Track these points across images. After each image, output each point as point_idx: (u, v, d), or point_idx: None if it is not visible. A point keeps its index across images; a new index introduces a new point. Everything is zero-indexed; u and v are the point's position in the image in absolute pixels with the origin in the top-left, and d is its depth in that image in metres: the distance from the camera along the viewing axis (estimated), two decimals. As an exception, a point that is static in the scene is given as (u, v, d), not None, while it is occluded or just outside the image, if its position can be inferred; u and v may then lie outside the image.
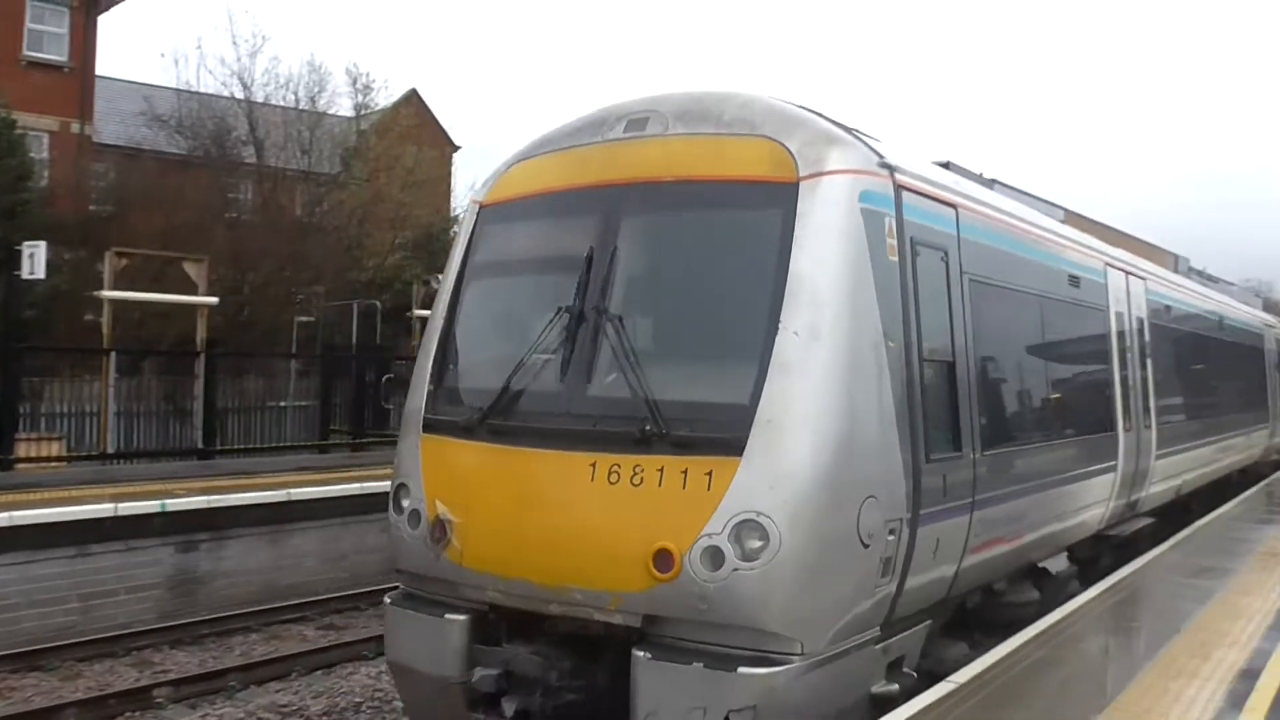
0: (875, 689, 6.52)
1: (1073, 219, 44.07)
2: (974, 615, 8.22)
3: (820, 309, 6.14)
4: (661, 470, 6.04)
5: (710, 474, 5.94)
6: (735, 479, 5.88)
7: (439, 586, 6.92)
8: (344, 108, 35.60)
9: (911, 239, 6.99)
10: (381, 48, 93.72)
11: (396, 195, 33.88)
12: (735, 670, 5.80)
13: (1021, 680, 6.80)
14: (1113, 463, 10.60)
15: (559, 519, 6.33)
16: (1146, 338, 12.39)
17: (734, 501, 5.85)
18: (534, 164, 7.55)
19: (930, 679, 6.68)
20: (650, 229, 6.92)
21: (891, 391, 6.48)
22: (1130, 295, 12.02)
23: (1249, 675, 6.97)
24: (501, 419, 6.73)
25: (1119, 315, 11.43)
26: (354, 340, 27.56)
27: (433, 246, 32.80)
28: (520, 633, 6.62)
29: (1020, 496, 8.28)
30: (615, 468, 6.17)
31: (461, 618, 6.72)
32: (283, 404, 22.42)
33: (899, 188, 6.96)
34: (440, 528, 6.71)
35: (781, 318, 6.08)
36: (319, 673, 11.16)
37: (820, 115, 7.02)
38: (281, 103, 33.44)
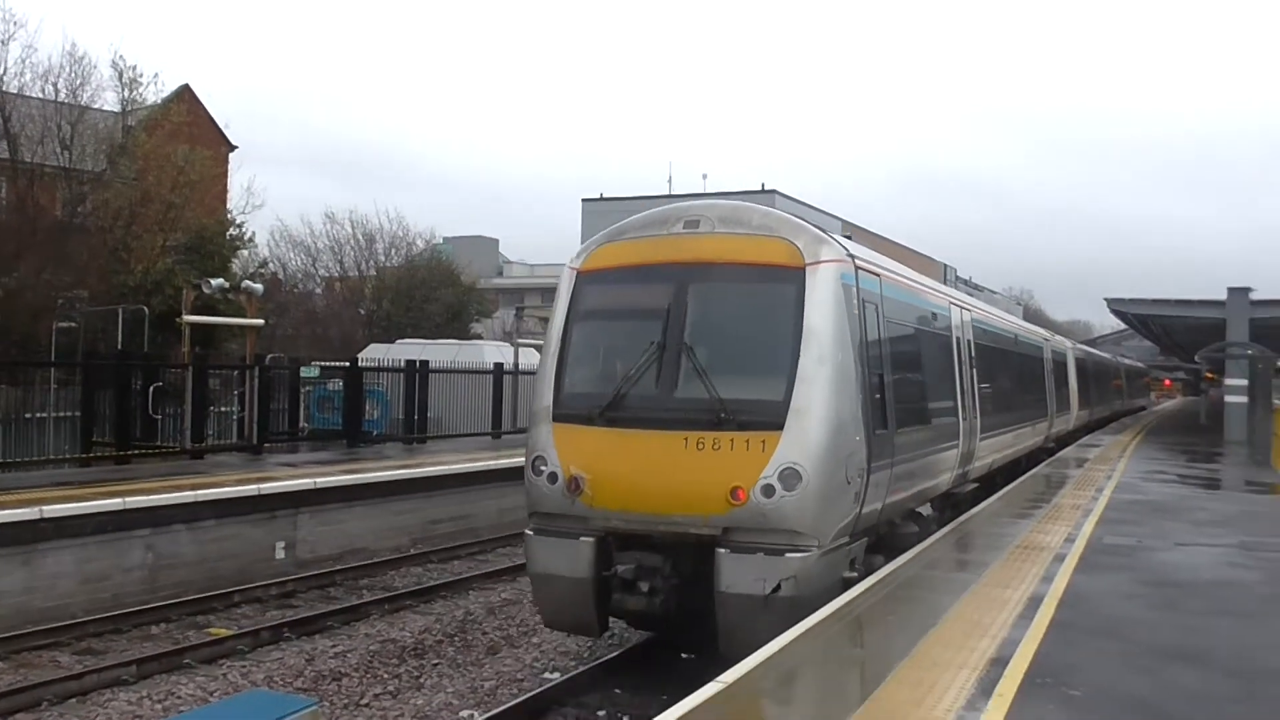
0: (845, 574, 10.20)
1: (849, 229, 45.79)
2: (883, 540, 11.74)
3: (823, 346, 9.88)
4: (732, 440, 9.62)
5: (764, 442, 9.55)
6: (779, 444, 9.53)
7: (570, 522, 10.13)
8: (109, 102, 33.70)
9: (862, 300, 10.77)
10: (151, 41, 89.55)
11: (167, 196, 32.25)
12: (784, 555, 9.44)
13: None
14: (956, 443, 14.63)
15: (665, 472, 9.76)
16: (972, 353, 16.48)
17: (780, 457, 9.49)
18: (616, 246, 11.01)
19: (864, 574, 10.40)
20: (710, 293, 10.46)
21: (858, 392, 10.24)
22: (962, 323, 16.27)
23: (999, 663, 7.31)
24: (616, 412, 10.06)
25: (957, 339, 15.66)
26: (119, 347, 26.11)
27: (206, 250, 31.41)
28: (627, 548, 9.99)
29: (913, 461, 12.11)
30: (700, 440, 9.69)
31: (590, 539, 10.03)
32: (41, 415, 21.03)
33: (856, 268, 10.80)
34: (575, 483, 9.99)
35: (801, 350, 9.81)
36: (73, 701, 10.47)
37: (811, 225, 10.90)
38: (40, 95, 31.42)
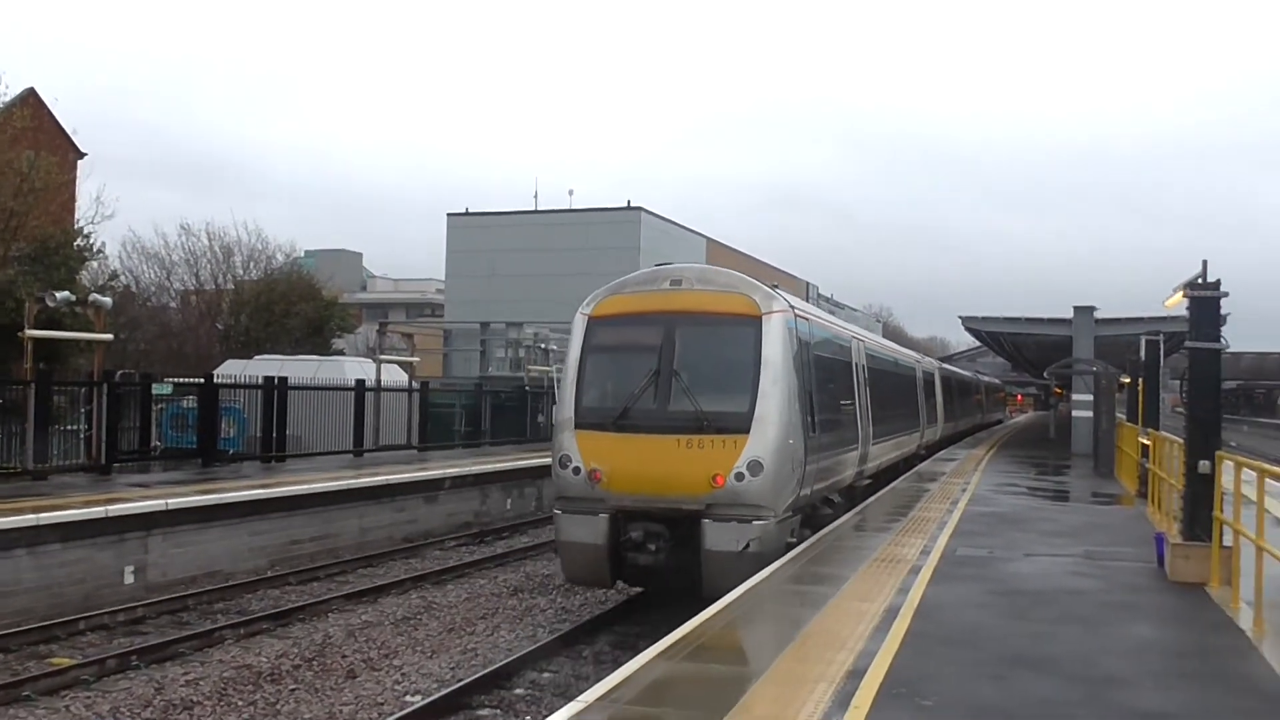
0: (788, 539, 13.63)
1: (715, 248, 46.48)
2: (809, 518, 15.23)
3: (776, 371, 13.35)
4: (711, 441, 12.98)
5: (735, 442, 12.93)
6: (747, 443, 12.91)
7: (590, 503, 13.28)
8: (-57, 103, 32.08)
9: (798, 338, 14.32)
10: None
11: (8, 203, 30.74)
12: (751, 523, 12.74)
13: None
14: (857, 446, 18.64)
15: (662, 464, 13.05)
16: (866, 376, 20.39)
17: (748, 453, 12.86)
18: (618, 298, 14.41)
19: (799, 541, 13.91)
20: (692, 333, 13.74)
21: (799, 406, 13.79)
22: (860, 352, 20.30)
23: (856, 675, 7.45)
24: (624, 421, 13.39)
25: (856, 365, 19.59)
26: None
27: (52, 261, 30.08)
28: (634, 521, 13.12)
29: (831, 459, 16.10)
30: (689, 441, 13.03)
31: (606, 515, 13.18)
32: None
33: (795, 315, 14.44)
34: (594, 473, 13.20)
35: (760, 375, 13.25)
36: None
37: (763, 283, 14.65)
38: None
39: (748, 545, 12.74)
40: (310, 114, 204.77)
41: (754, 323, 13.63)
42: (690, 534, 12.94)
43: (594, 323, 14.31)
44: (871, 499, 19.26)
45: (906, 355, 31.81)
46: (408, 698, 10.85)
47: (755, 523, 12.82)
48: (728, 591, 10.66)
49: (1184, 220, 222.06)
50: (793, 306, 14.62)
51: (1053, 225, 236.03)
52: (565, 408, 13.98)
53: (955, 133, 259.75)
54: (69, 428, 20.73)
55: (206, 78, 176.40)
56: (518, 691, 11.07)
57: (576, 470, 13.44)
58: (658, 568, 13.21)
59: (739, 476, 12.85)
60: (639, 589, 15.23)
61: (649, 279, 14.73)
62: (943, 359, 62.24)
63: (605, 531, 13.21)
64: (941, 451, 34.21)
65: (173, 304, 53.51)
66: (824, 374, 16.28)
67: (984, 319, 37.51)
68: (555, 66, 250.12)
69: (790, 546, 13.42)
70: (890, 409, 23.34)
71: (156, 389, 22.18)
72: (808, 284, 71.19)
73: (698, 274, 14.73)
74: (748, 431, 13.04)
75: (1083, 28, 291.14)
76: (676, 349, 13.63)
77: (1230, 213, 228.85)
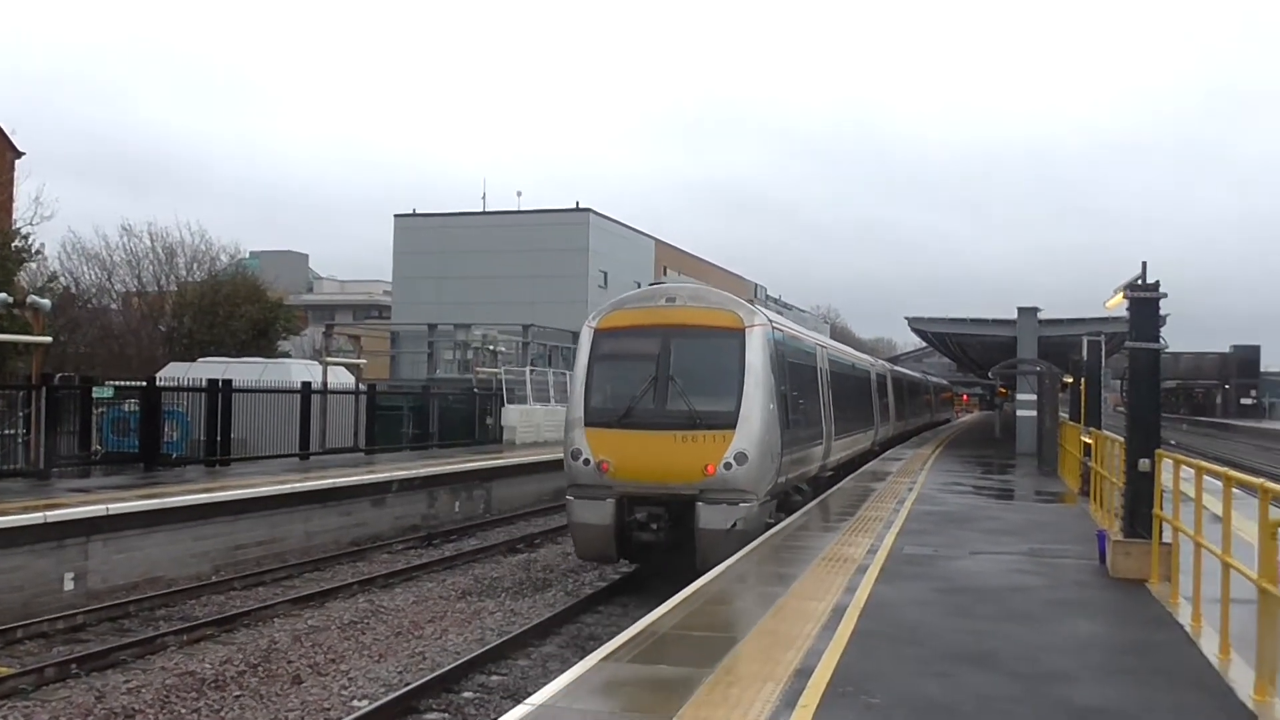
0: (767, 520, 15.61)
1: (663, 249, 46.62)
2: (783, 503, 17.26)
3: (757, 376, 15.28)
4: (703, 436, 14.94)
5: (724, 436, 14.88)
6: (734, 438, 14.84)
7: (599, 490, 15.20)
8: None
9: (775, 347, 16.22)
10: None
11: (-55, 206, 30.32)
12: (738, 505, 14.65)
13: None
14: (822, 442, 20.69)
15: (661, 456, 15.00)
16: (829, 379, 22.52)
17: (734, 446, 14.80)
18: (621, 313, 16.35)
19: (776, 523, 15.89)
20: (685, 344, 15.62)
21: (776, 405, 15.70)
22: (824, 358, 22.44)
23: (804, 674, 7.49)
24: (628, 419, 15.34)
25: (821, 370, 21.64)
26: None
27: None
28: (636, 504, 15.10)
29: (801, 452, 18.06)
30: (684, 436, 14.97)
31: (612, 500, 15.12)
32: None
33: (772, 327, 16.47)
34: (602, 464, 15.15)
35: (745, 379, 15.19)
36: None
37: (745, 300, 16.90)
38: None
39: (735, 524, 14.71)
40: (255, 114, 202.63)
41: (738, 334, 15.62)
42: (685, 515, 14.94)
43: (600, 334, 16.20)
44: (820, 498, 19.48)
45: (863, 359, 34.40)
46: (355, 703, 10.76)
47: (741, 505, 14.89)
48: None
49: (1122, 221, 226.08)
50: (770, 320, 16.85)
51: (993, 226, 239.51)
52: (576, 408, 15.92)
53: (893, 134, 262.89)
54: (7, 432, 20.34)
55: (143, 73, 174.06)
56: (466, 695, 11.02)
57: (587, 461, 15.40)
58: (658, 544, 15.19)
59: (727, 466, 14.91)
60: (605, 585, 16.81)
61: (648, 296, 16.89)
62: (890, 359, 63.05)
63: (612, 514, 15.20)
64: (889, 451, 34.62)
65: (114, 306, 52.62)
66: (795, 378, 18.12)
67: (930, 320, 37.85)
68: (502, 68, 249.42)
69: (769, 526, 15.48)
70: (849, 409, 25.52)
71: (97, 392, 21.83)
72: (755, 285, 71.53)
73: (690, 292, 16.80)
74: (734, 427, 15.07)
75: (1017, 31, 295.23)
76: (672, 357, 15.57)
77: (1167, 214, 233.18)
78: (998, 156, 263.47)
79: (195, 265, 52.76)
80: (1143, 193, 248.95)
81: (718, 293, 17.32)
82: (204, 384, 23.42)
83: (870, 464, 28.43)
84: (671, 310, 16.07)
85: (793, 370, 17.89)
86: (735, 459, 14.87)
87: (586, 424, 15.58)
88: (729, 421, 15.07)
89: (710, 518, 14.71)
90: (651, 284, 17.70)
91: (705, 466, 14.86)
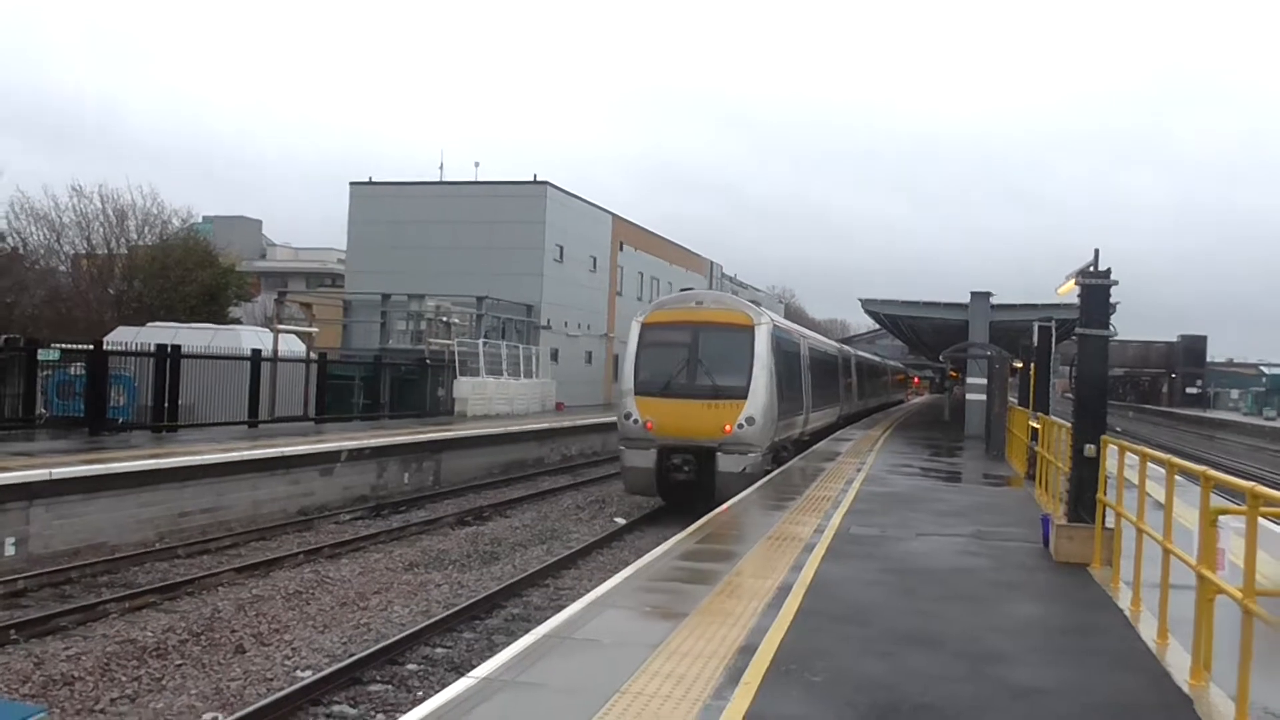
0: (766, 467, 20.96)
1: (620, 224, 46.56)
2: (775, 457, 22.43)
3: (762, 361, 20.88)
4: (723, 405, 20.42)
5: (738, 405, 20.45)
6: (745, 406, 20.45)
7: (645, 442, 20.49)
8: None
9: (775, 339, 21.63)
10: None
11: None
12: (746, 454, 20.30)
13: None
14: (802, 412, 26.03)
15: (692, 418, 20.34)
16: (808, 363, 27.48)
17: (745, 412, 20.43)
18: (661, 312, 22.05)
19: (773, 469, 21.34)
20: (711, 336, 21.06)
21: (774, 383, 21.12)
22: (805, 346, 27.51)
23: (748, 650, 7.52)
24: (668, 390, 20.67)
25: (802, 355, 26.59)
26: None
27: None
28: (672, 453, 20.46)
29: (788, 419, 23.23)
30: (709, 404, 20.42)
31: (655, 449, 20.48)
32: None
33: (772, 325, 21.92)
34: (648, 423, 20.42)
35: (754, 363, 20.79)
36: None
37: (754, 303, 24.95)
38: None
39: (745, 469, 20.18)
40: (210, 80, 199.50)
41: (749, 330, 21.27)
42: (708, 462, 20.44)
43: (645, 327, 21.68)
44: (771, 475, 19.87)
45: (833, 346, 39.91)
46: (298, 673, 10.69)
47: (749, 454, 20.47)
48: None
49: (1072, 212, 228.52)
50: (772, 320, 22.74)
51: (938, 212, 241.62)
52: (626, 380, 21.35)
53: (835, 119, 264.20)
54: (-52, 394, 20.01)
55: (104, 33, 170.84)
56: (410, 667, 10.97)
57: (636, 421, 20.79)
58: (688, 482, 20.64)
59: (740, 426, 20.43)
60: (552, 560, 16.35)
61: (681, 300, 22.67)
62: (842, 340, 63.49)
63: (655, 460, 20.68)
64: (841, 431, 34.95)
65: (62, 268, 51.70)
66: (785, 364, 23.30)
67: (883, 302, 38.05)
68: (460, 43, 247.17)
69: (768, 472, 20.79)
70: (822, 388, 30.71)
71: (42, 355, 21.52)
72: (711, 263, 71.51)
73: (713, 298, 23.42)
74: (745, 398, 20.63)
75: (959, 25, 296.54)
76: (700, 345, 21.08)
77: (1115, 203, 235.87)
78: (938, 143, 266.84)
79: (147, 228, 51.89)
80: (1089, 183, 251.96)
81: (733, 298, 24.62)
82: (152, 349, 23.11)
83: (820, 444, 28.76)
84: (700, 310, 21.72)
85: (784, 357, 23.06)
86: (746, 421, 20.44)
87: (636, 393, 20.94)
88: (742, 394, 20.61)
89: (727, 464, 20.28)
90: (683, 290, 25.79)
91: (724, 426, 20.38)
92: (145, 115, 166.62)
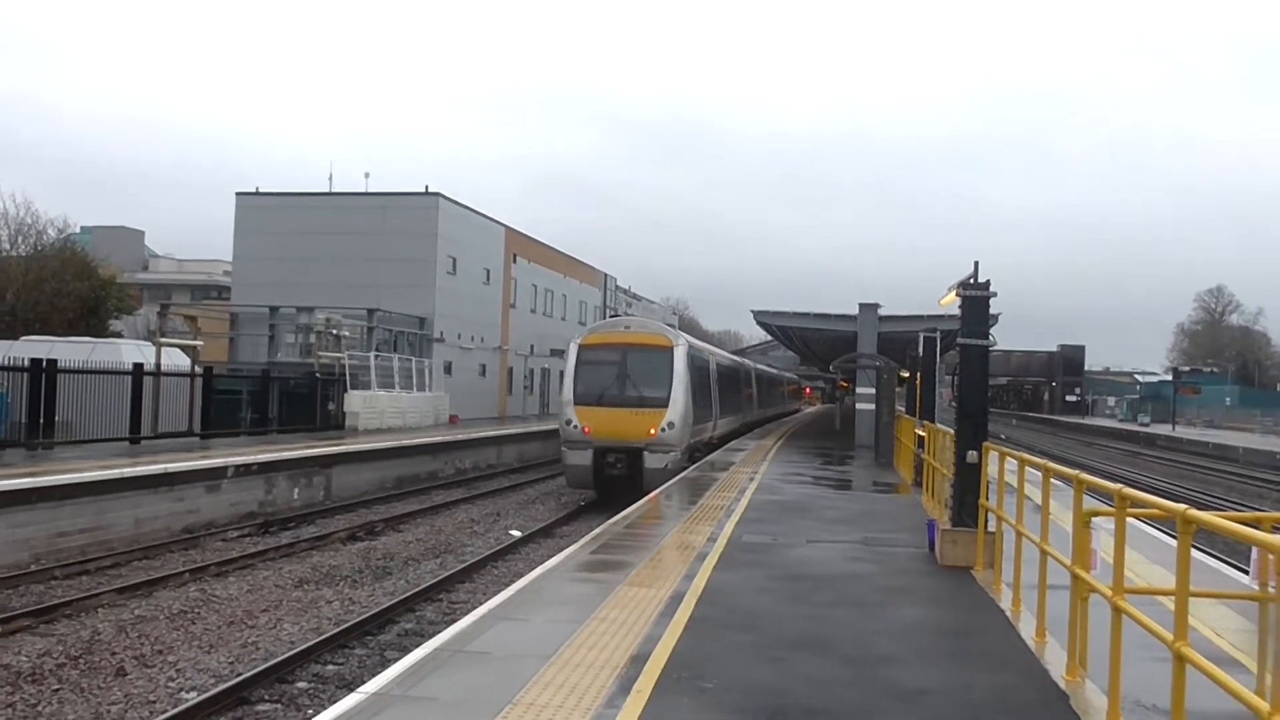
0: (684, 465, 25.11)
1: (513, 236, 46.56)
2: (691, 456, 26.80)
3: (680, 377, 25.71)
4: (648, 413, 25.03)
5: (660, 413, 25.07)
6: (666, 414, 25.09)
7: (583, 444, 24.97)
8: None
9: (690, 357, 26.74)
10: None
11: None
12: (668, 453, 24.95)
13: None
14: (712, 419, 30.81)
15: (623, 424, 24.91)
16: (717, 376, 32.39)
17: (666, 419, 25.07)
18: (595, 335, 27.13)
19: (687, 466, 25.16)
20: (637, 356, 25.81)
21: (690, 395, 26.11)
22: (713, 362, 32.27)
23: (640, 659, 7.56)
24: (602, 401, 25.22)
25: (711, 372, 31.33)
26: None
27: None
28: (606, 453, 25.05)
29: (701, 425, 28.45)
30: (636, 412, 25.01)
31: (591, 450, 24.98)
32: None
33: (688, 346, 27.15)
34: (585, 428, 24.90)
35: (673, 378, 25.55)
36: None
37: (673, 327, 34.13)
38: None
39: (666, 465, 24.47)
40: (83, 88, 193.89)
41: (669, 351, 26.02)
42: (637, 460, 24.83)
43: (583, 348, 26.14)
44: (683, 473, 21.68)
45: (737, 360, 46.43)
46: (182, 694, 10.43)
47: (671, 453, 24.92)
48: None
49: (955, 220, 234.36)
50: (688, 341, 27.91)
51: (822, 219, 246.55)
52: (568, 392, 25.77)
53: (718, 123, 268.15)
54: None
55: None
56: (300, 685, 10.78)
57: (576, 426, 25.07)
58: (620, 476, 24.85)
59: (662, 430, 24.90)
60: (446, 574, 16.20)
61: (612, 325, 29.29)
62: (735, 352, 64.25)
63: (592, 458, 24.95)
64: (733, 441, 35.37)
65: (-71, 279, 49.72)
66: (699, 378, 27.87)
67: (775, 314, 38.53)
68: (348, 54, 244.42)
69: (684, 468, 24.63)
70: (728, 398, 35.87)
71: (-92, 371, 20.63)
72: (605, 275, 71.64)
73: (639, 324, 29.02)
74: (666, 407, 25.13)
75: (838, 26, 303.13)
76: (628, 363, 25.59)
77: (992, 213, 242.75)
78: (818, 149, 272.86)
79: (20, 239, 50.26)
80: (967, 192, 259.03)
81: (657, 324, 30.32)
82: (27, 364, 22.34)
83: (715, 454, 29.13)
84: (628, 334, 26.70)
85: (697, 373, 27.76)
86: (667, 426, 24.94)
87: (575, 403, 25.33)
88: (663, 403, 25.14)
89: (653, 461, 24.66)
90: (612, 316, 28.42)
91: (649, 430, 24.82)
92: (12, 121, 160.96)
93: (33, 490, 16.61)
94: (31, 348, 28.57)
